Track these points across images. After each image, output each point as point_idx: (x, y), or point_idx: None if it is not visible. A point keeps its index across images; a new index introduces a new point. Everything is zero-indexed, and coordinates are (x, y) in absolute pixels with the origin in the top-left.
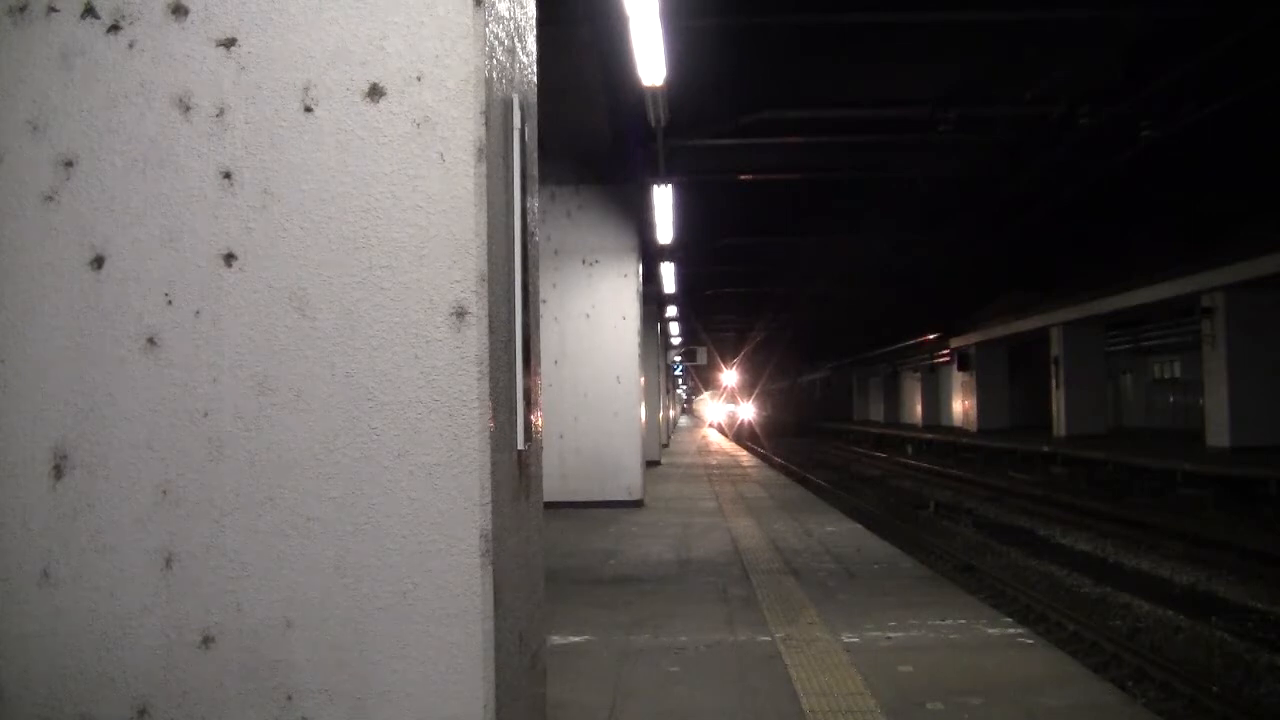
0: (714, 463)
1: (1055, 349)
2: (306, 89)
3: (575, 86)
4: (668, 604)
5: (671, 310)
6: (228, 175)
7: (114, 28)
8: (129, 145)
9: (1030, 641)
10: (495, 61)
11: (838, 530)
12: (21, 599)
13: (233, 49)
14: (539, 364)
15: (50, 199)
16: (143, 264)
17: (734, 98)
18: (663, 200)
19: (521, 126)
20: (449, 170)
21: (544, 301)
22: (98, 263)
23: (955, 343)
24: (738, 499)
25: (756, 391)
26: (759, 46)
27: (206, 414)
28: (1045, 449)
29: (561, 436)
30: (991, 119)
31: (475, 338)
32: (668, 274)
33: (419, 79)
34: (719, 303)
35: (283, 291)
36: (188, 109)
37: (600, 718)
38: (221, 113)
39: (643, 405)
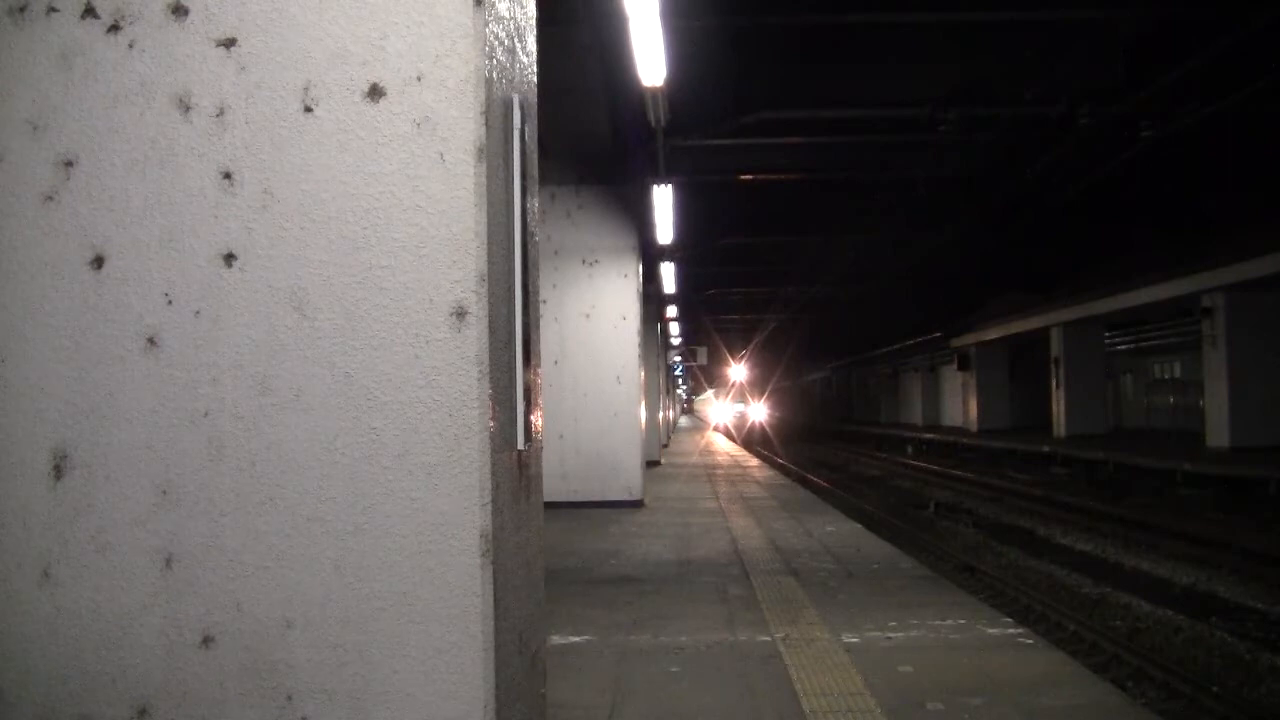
0: (715, 463)
1: (1055, 349)
2: (306, 89)
3: (575, 87)
4: (668, 604)
5: (671, 310)
6: (228, 175)
7: (114, 28)
8: (129, 145)
9: (1030, 641)
10: (495, 61)
11: (838, 530)
12: (21, 599)
13: (233, 49)
14: (539, 364)
15: (50, 199)
16: (143, 264)
17: (734, 98)
18: (663, 200)
19: (521, 126)
20: (449, 170)
21: (544, 301)
22: (98, 263)
23: (956, 342)
24: (738, 499)
25: (767, 390)
26: (759, 46)
27: (206, 414)
28: (1045, 449)
29: (561, 436)
30: (991, 119)
31: (475, 338)
32: (668, 274)
33: (419, 79)
34: (721, 302)
35: (283, 291)
36: (188, 109)
37: (600, 718)
38: (221, 113)
39: (643, 405)
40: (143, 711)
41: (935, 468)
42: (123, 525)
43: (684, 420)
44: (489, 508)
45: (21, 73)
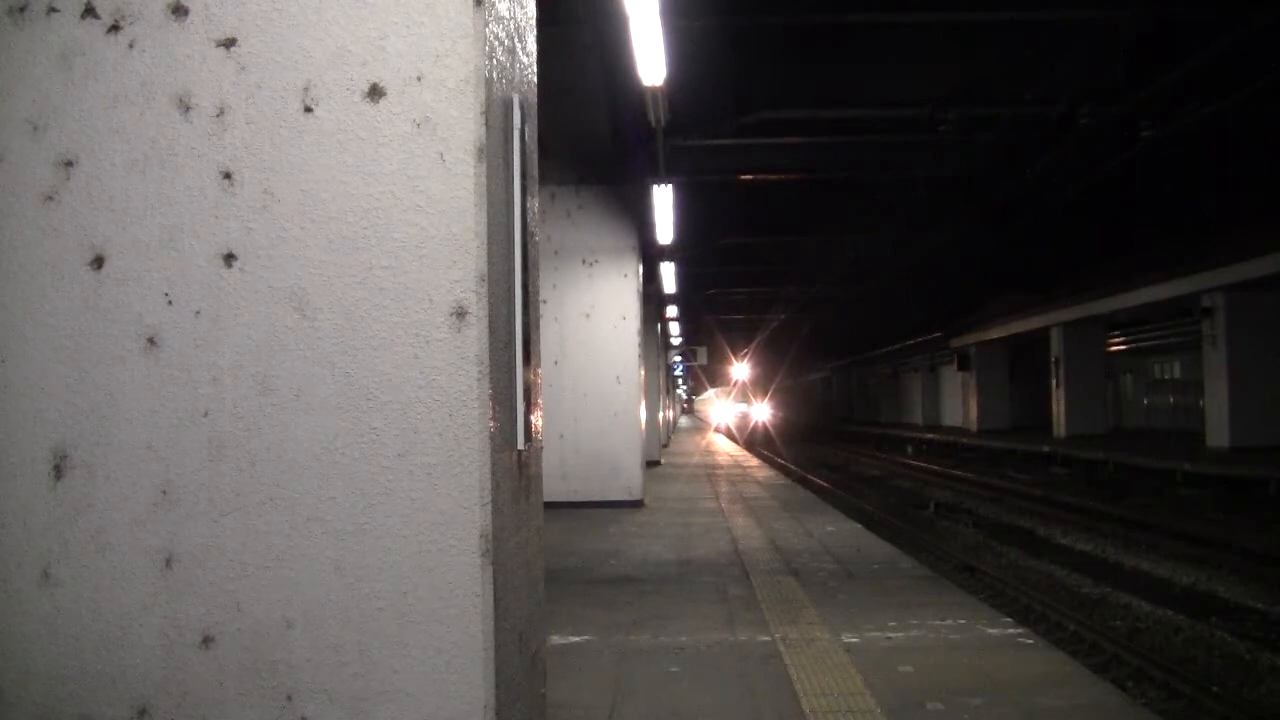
0: (715, 464)
1: (1055, 349)
2: (306, 89)
3: (576, 86)
4: (668, 604)
5: (672, 310)
6: (228, 175)
7: (114, 28)
8: (129, 145)
9: (1030, 641)
10: (495, 61)
11: (838, 530)
12: (21, 599)
13: (233, 49)
14: (539, 364)
15: (50, 199)
16: (143, 264)
17: (734, 98)
18: (663, 200)
19: (521, 126)
20: (449, 170)
21: (544, 301)
22: (98, 263)
23: (956, 342)
24: (738, 499)
25: (770, 390)
26: (759, 46)
27: (206, 414)
28: (1045, 449)
29: (561, 436)
30: (991, 119)
31: (475, 338)
32: (668, 274)
33: (419, 79)
34: (722, 301)
35: (283, 291)
36: (188, 109)
37: (600, 718)
38: (221, 113)
39: (643, 405)
40: (143, 711)
41: (935, 468)
42: (123, 525)
43: (684, 420)
44: (489, 508)
45: (21, 73)
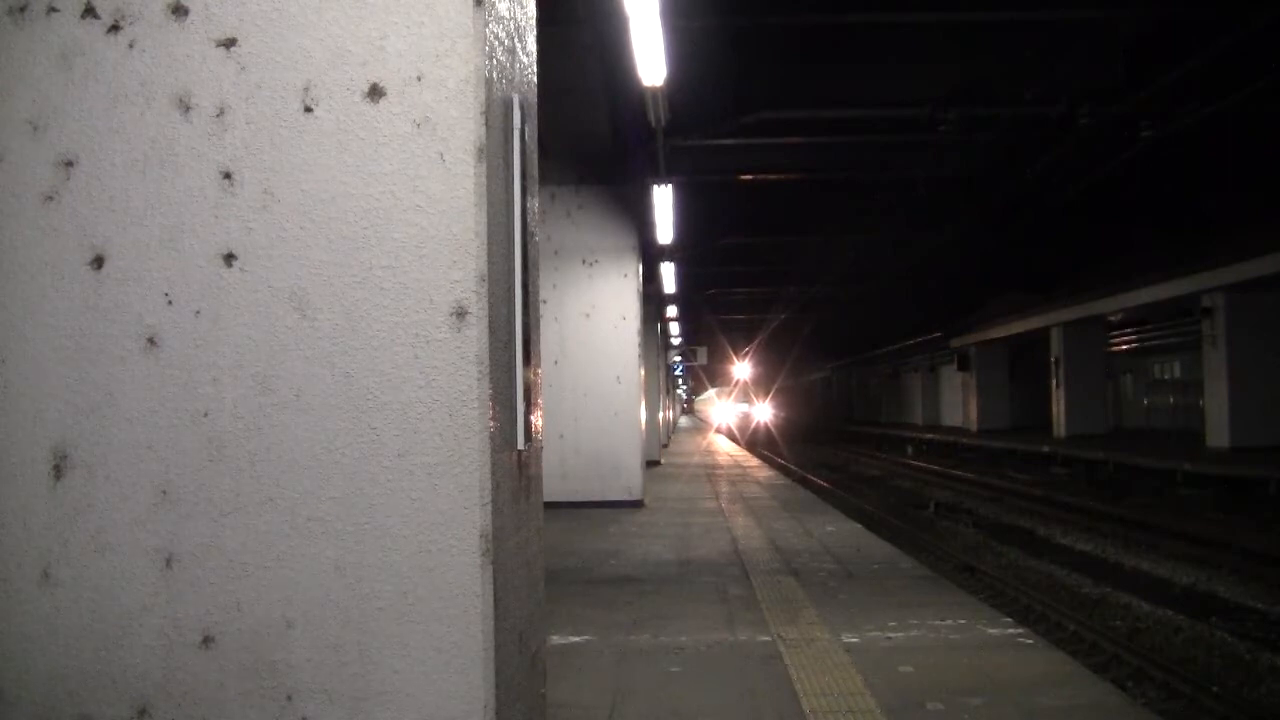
0: (715, 464)
1: (1055, 349)
2: (306, 89)
3: (576, 87)
4: (668, 604)
5: (672, 310)
6: (228, 175)
7: (114, 28)
8: (129, 145)
9: (1030, 641)
10: (495, 61)
11: (838, 530)
12: (21, 599)
13: (233, 49)
14: (539, 364)
15: (50, 199)
16: (143, 264)
17: (734, 98)
18: (663, 200)
19: (521, 126)
20: (449, 170)
21: (544, 301)
22: (98, 263)
23: (956, 342)
24: (738, 499)
25: (771, 390)
26: (759, 46)
27: (206, 414)
28: (1045, 449)
29: (561, 436)
30: (991, 119)
31: (475, 338)
32: (668, 274)
33: (419, 79)
34: (723, 301)
35: (283, 291)
36: (188, 109)
37: (600, 718)
38: (221, 113)
39: (643, 405)
40: (143, 711)
41: (935, 468)
42: (123, 525)
43: (684, 420)
44: (489, 508)
45: (21, 73)
